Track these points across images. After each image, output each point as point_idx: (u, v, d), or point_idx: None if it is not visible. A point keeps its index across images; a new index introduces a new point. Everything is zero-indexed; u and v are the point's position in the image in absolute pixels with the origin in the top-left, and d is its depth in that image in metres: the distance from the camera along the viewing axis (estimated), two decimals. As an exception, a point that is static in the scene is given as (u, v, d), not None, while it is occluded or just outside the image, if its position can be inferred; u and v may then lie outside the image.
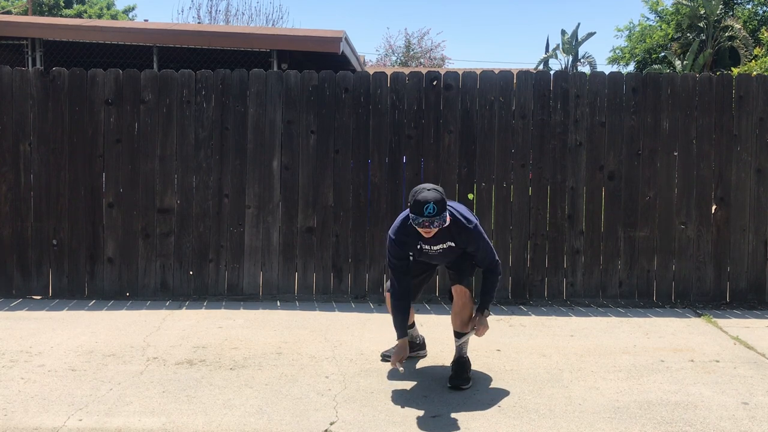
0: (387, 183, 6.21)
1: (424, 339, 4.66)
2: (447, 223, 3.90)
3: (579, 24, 51.03)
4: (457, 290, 4.14)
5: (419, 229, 3.87)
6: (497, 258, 4.17)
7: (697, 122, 6.20)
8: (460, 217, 4.01)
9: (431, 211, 3.76)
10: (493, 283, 4.16)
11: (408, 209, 3.91)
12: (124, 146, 6.19)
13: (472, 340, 4.38)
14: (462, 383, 4.04)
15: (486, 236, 4.13)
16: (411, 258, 4.10)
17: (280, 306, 6.01)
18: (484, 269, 4.16)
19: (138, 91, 6.19)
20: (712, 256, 6.22)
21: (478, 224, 4.10)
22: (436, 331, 5.00)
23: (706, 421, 3.60)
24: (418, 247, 4.06)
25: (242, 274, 6.23)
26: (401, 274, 4.10)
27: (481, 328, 4.10)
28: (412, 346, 4.47)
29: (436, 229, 3.87)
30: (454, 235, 4.01)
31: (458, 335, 4.19)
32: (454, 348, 4.23)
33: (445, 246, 4.03)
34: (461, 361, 4.17)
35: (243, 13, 30.90)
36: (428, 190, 3.82)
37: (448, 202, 3.94)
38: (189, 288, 6.22)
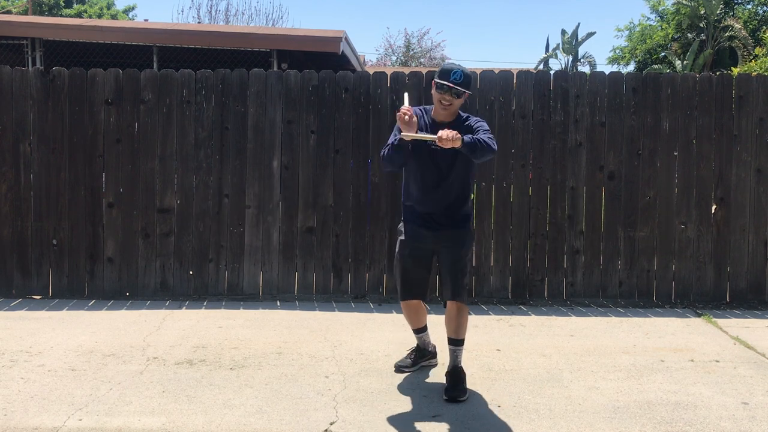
0: (387, 183, 6.21)
1: (435, 348, 4.43)
2: (464, 98, 3.80)
3: (579, 24, 51.09)
4: (453, 302, 4.00)
5: (439, 96, 3.77)
6: (495, 142, 3.85)
7: (697, 122, 6.19)
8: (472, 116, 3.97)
9: (458, 77, 3.71)
10: (484, 141, 3.72)
11: None
12: (124, 146, 6.19)
13: (472, 337, 4.36)
14: (459, 394, 3.82)
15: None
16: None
17: (280, 306, 6.01)
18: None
19: (138, 91, 6.18)
20: (712, 256, 6.22)
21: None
22: (435, 331, 4.98)
23: (706, 421, 3.60)
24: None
25: (242, 274, 6.23)
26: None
27: (447, 136, 3.56)
28: (423, 354, 4.37)
29: (455, 103, 3.77)
30: (462, 123, 3.85)
31: (453, 342, 4.00)
32: (448, 356, 4.05)
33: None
34: (456, 371, 3.95)
35: (243, 13, 31.00)
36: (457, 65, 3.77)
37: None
38: (189, 288, 6.22)
